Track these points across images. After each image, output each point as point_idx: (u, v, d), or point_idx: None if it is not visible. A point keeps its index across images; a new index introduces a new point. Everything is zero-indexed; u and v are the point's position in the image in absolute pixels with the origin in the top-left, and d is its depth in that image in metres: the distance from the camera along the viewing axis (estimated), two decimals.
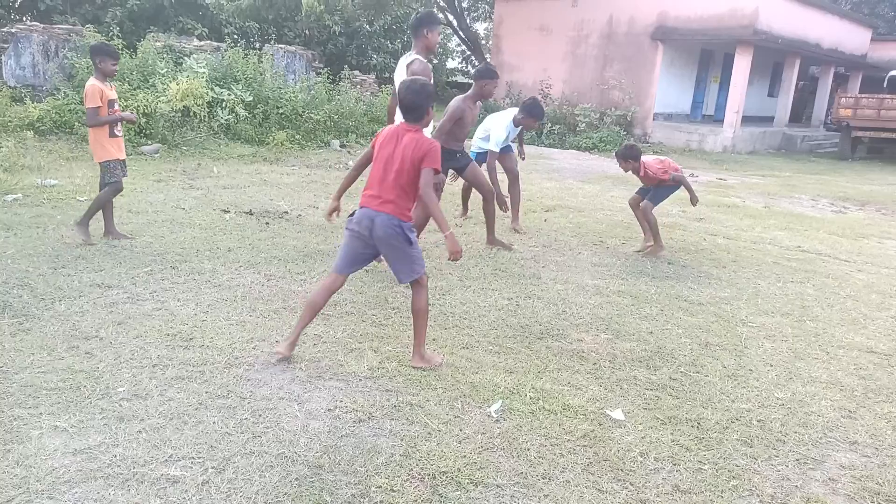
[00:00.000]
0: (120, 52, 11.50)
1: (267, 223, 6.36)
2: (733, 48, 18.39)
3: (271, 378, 3.26)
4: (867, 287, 5.53)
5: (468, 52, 34.70)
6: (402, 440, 2.79)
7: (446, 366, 3.50)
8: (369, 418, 2.95)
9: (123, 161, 5.32)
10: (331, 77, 15.05)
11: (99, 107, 5.01)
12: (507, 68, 20.79)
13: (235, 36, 19.94)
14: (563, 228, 7.04)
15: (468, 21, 31.30)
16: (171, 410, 2.88)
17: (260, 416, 2.90)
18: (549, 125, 17.42)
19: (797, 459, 2.85)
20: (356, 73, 18.12)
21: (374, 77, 19.03)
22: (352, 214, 3.57)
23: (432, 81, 4.30)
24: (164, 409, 2.89)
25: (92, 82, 5.01)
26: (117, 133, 5.21)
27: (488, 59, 24.95)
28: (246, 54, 13.66)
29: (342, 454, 2.66)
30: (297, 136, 12.20)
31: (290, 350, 3.46)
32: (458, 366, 3.52)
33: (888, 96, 18.16)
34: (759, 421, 3.16)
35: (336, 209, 3.81)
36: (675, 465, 2.75)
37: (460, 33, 29.88)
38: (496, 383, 3.35)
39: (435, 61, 32.94)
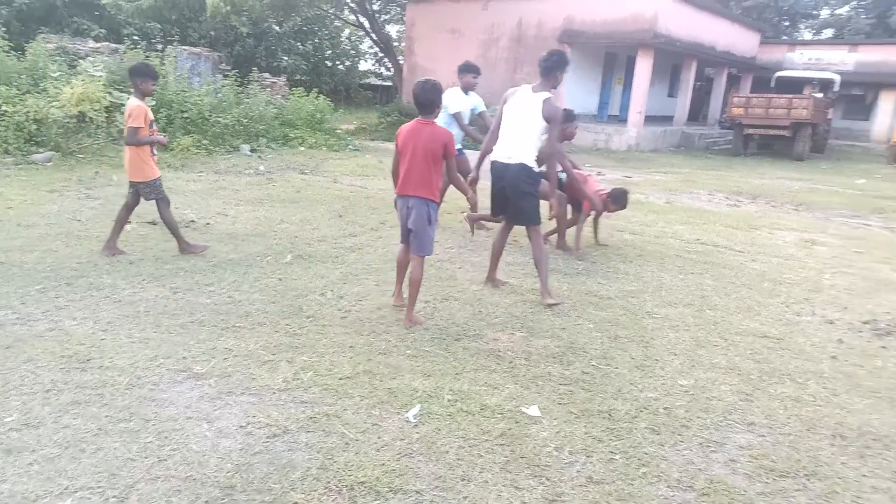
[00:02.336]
0: (7, 53, 10.82)
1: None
2: (635, 51, 19.19)
3: (178, 397, 3.12)
4: (760, 276, 5.89)
5: (381, 55, 34.57)
6: (318, 453, 2.73)
7: (363, 373, 3.47)
8: (284, 432, 2.87)
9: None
10: (239, 80, 14.63)
11: (141, 127, 5.11)
12: (421, 70, 20.89)
13: (136, 37, 19.00)
14: (479, 230, 7.11)
15: (380, 23, 31.17)
16: (67, 439, 2.71)
17: (166, 438, 2.77)
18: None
19: (700, 443, 3.00)
20: (266, 75, 17.69)
21: (284, 79, 18.63)
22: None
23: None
24: (58, 438, 2.71)
25: (137, 102, 5.10)
26: (154, 153, 5.38)
27: (401, 61, 24.95)
28: (147, 56, 13.07)
29: (256, 472, 2.58)
30: (205, 141, 11.77)
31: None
32: (375, 372, 3.50)
33: (775, 96, 19.42)
34: (665, 409, 3.30)
35: None
36: (588, 456, 2.83)
37: (372, 35, 29.70)
38: (414, 388, 3.34)
39: (348, 63, 32.72)
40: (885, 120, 26.40)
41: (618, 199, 6.42)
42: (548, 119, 4.68)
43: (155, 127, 5.34)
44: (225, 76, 14.81)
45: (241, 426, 2.90)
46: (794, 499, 2.61)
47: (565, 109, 6.36)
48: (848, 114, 28.06)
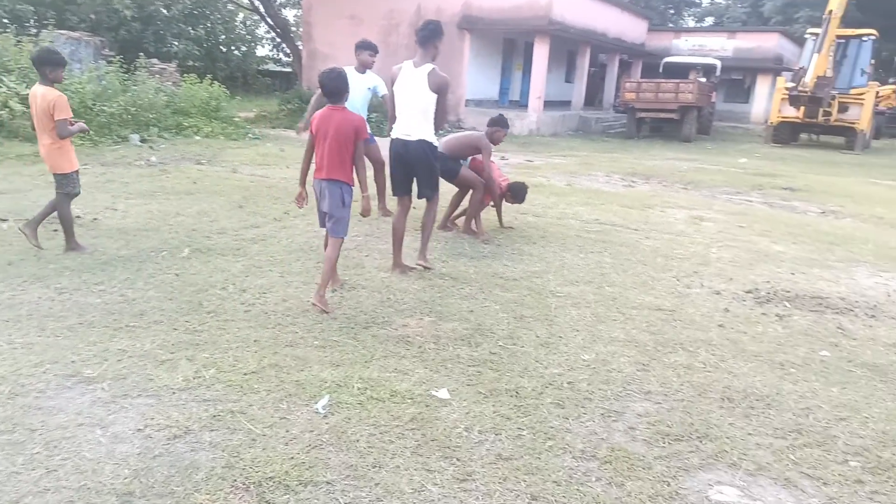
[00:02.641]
0: None
1: (55, 230, 5.67)
2: (533, 37, 19.62)
3: (67, 403, 2.93)
4: (653, 252, 6.20)
5: (279, 40, 33.57)
6: (223, 451, 2.65)
7: (269, 367, 3.38)
8: (186, 433, 2.76)
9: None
10: (125, 66, 13.80)
11: (70, 118, 4.94)
12: (321, 57, 20.47)
13: (5, 20, 17.52)
14: (385, 217, 7.08)
15: (276, 7, 30.23)
16: None
17: (55, 447, 2.60)
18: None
19: (602, 414, 3.13)
20: (154, 61, 16.79)
21: (175, 65, 17.76)
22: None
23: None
24: None
25: (56, 92, 4.85)
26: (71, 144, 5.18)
27: (300, 47, 24.34)
28: (19, 41, 12.10)
29: (156, 476, 2.47)
30: (89, 132, 11.03)
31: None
32: (281, 365, 3.42)
33: (663, 81, 20.44)
34: (569, 383, 3.42)
35: (303, 195, 4.51)
36: (497, 434, 2.90)
37: (268, 20, 28.80)
38: (323, 378, 3.30)
39: (244, 48, 31.54)
40: (761, 102, 28.42)
41: (517, 194, 6.57)
42: (436, 90, 4.81)
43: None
44: (109, 62, 13.93)
45: (139, 429, 2.77)
46: (689, 460, 2.78)
47: (500, 115, 6.49)
48: (729, 97, 29.99)
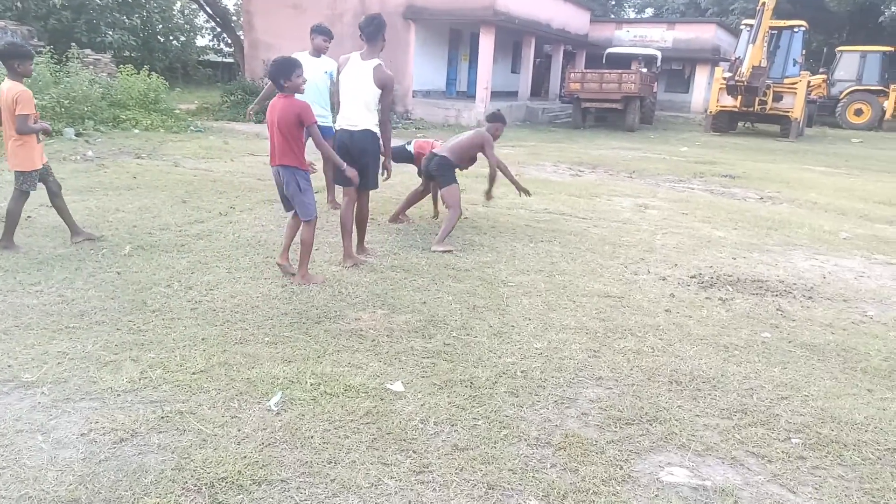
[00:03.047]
0: None
1: None
2: (478, 28, 19.64)
3: (4, 410, 2.80)
4: (601, 240, 6.32)
5: (219, 30, 32.71)
6: (173, 453, 2.57)
7: (218, 365, 3.31)
8: (133, 436, 2.67)
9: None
10: (56, 57, 13.20)
11: (32, 114, 4.83)
12: (263, 47, 20.03)
13: None
14: (335, 210, 6.99)
15: None
16: None
17: None
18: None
19: (555, 401, 3.18)
20: (88, 51, 16.14)
21: (110, 56, 17.12)
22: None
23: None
24: None
25: (21, 87, 4.77)
26: (40, 140, 5.10)
27: (241, 37, 23.76)
28: None
29: (102, 481, 2.39)
30: (51, 134, 10.53)
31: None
32: (231, 363, 3.35)
33: (607, 71, 20.78)
34: (522, 372, 3.45)
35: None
36: (452, 425, 2.90)
37: (207, 9, 27.98)
38: (274, 375, 3.24)
39: (182, 38, 30.59)
40: (701, 92, 29.21)
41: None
42: (381, 86, 4.89)
43: (37, 112, 5.04)
44: (38, 53, 13.30)
45: (83, 434, 2.67)
46: (640, 443, 2.85)
47: (497, 111, 6.47)
48: (670, 87, 30.71)
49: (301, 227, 4.61)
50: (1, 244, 4.95)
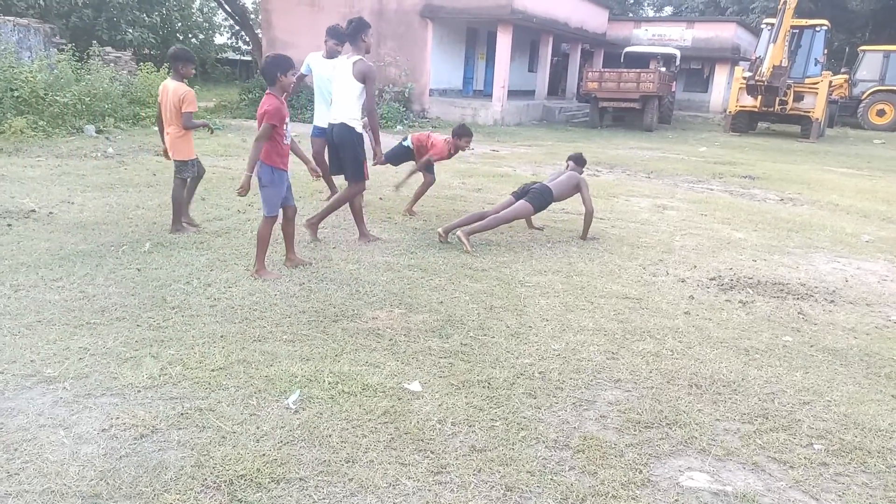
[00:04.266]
0: None
1: (9, 225, 5.51)
2: (495, 26, 19.58)
3: (27, 405, 2.83)
4: (619, 240, 6.27)
5: (237, 28, 32.91)
6: (192, 450, 2.59)
7: (237, 362, 3.32)
8: (153, 432, 2.69)
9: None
10: (77, 54, 13.35)
11: (196, 111, 5.47)
12: (280, 45, 20.06)
13: None
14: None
15: None
16: None
17: (16, 450, 2.51)
18: None
19: (573, 403, 3.16)
20: (109, 49, 16.33)
21: (130, 53, 17.28)
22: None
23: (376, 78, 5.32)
24: None
25: (188, 87, 5.41)
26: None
27: (259, 35, 23.88)
28: None
29: (123, 477, 2.40)
30: (41, 123, 10.70)
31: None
32: (250, 361, 3.36)
33: (625, 70, 20.63)
34: (540, 373, 3.43)
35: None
36: (470, 426, 2.89)
37: (226, 7, 28.16)
38: (293, 373, 3.25)
39: (201, 36, 30.84)
40: (720, 92, 28.91)
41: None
42: (361, 79, 5.17)
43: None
44: (60, 50, 13.47)
45: (104, 429, 2.69)
46: (659, 447, 2.82)
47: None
48: (689, 86, 30.46)
49: (262, 220, 4.68)
50: (173, 229, 5.54)
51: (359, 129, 5.36)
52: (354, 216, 5.79)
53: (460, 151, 6.61)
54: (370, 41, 5.31)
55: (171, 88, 5.35)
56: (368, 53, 5.26)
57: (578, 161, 6.52)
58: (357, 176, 5.48)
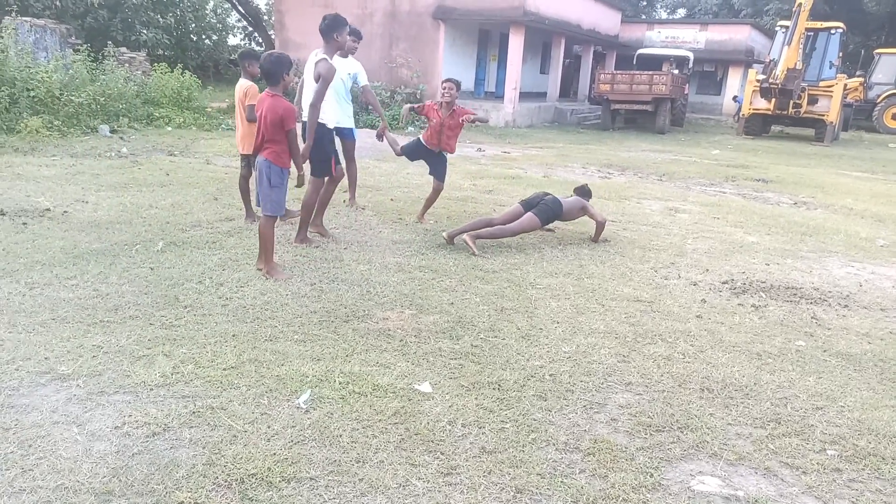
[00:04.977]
0: None
1: (24, 223, 5.56)
2: (507, 28, 19.57)
3: (42, 401, 2.86)
4: (630, 243, 6.25)
5: (250, 29, 33.08)
6: (204, 448, 2.60)
7: (248, 362, 3.34)
8: (165, 430, 2.71)
9: None
10: (93, 55, 13.47)
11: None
12: (294, 46, 20.16)
13: None
14: (361, 208, 7.03)
15: None
16: None
17: (30, 446, 2.53)
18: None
19: (584, 406, 3.15)
20: (123, 50, 16.45)
21: (145, 54, 17.41)
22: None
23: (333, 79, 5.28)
24: None
25: (249, 83, 5.80)
26: None
27: (272, 36, 23.99)
28: None
29: (135, 474, 2.42)
30: (56, 122, 10.80)
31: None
32: (261, 360, 3.37)
33: (638, 72, 20.56)
34: (550, 375, 3.42)
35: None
36: (480, 428, 2.89)
37: (239, 8, 28.33)
38: (303, 373, 3.26)
39: (215, 37, 30.99)
40: (733, 94, 28.73)
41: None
42: (316, 77, 5.16)
43: None
44: (76, 51, 13.59)
45: (117, 427, 2.71)
46: (670, 451, 2.81)
47: (583, 186, 6.58)
48: (701, 89, 30.32)
49: (262, 219, 4.70)
50: (247, 221, 5.97)
51: (329, 124, 5.49)
52: (317, 210, 5.68)
53: (466, 118, 6.29)
54: (343, 39, 5.30)
55: (244, 87, 5.74)
56: (341, 51, 5.26)
57: (583, 194, 6.47)
58: (316, 172, 5.49)
